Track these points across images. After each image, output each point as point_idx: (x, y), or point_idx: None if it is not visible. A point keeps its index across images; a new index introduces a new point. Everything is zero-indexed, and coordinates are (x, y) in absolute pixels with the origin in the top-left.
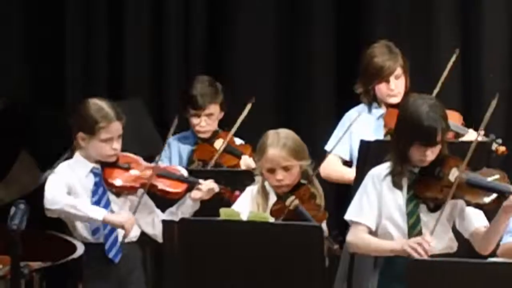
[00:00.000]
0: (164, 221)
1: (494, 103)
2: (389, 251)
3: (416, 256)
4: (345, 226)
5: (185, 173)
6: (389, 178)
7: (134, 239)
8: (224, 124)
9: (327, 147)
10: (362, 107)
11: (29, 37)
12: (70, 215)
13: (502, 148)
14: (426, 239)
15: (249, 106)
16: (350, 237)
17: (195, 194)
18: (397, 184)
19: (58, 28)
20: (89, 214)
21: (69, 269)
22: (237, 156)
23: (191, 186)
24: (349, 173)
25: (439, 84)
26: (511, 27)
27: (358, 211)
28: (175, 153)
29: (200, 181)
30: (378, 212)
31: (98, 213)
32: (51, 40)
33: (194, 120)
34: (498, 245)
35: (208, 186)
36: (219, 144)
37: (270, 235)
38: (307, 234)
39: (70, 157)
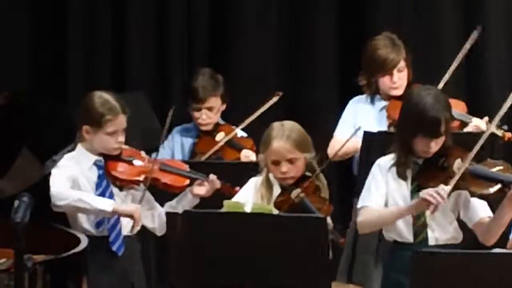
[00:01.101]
0: (167, 213)
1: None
2: (408, 209)
3: (433, 201)
4: (347, 219)
5: (187, 167)
6: (394, 169)
7: (135, 232)
8: (229, 119)
9: (336, 133)
10: (365, 98)
11: (32, 30)
12: (78, 209)
13: (509, 134)
14: (443, 188)
15: (275, 99)
16: (360, 218)
17: (198, 190)
18: (401, 175)
19: (61, 22)
20: (98, 207)
21: (72, 262)
22: (237, 149)
23: (193, 181)
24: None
25: (451, 70)
26: None
27: (367, 196)
28: (177, 145)
29: (202, 177)
30: (386, 198)
31: (107, 205)
32: (54, 33)
33: (196, 113)
34: (502, 236)
35: (210, 182)
36: (220, 137)
37: (274, 227)
38: (311, 226)
39: (73, 149)
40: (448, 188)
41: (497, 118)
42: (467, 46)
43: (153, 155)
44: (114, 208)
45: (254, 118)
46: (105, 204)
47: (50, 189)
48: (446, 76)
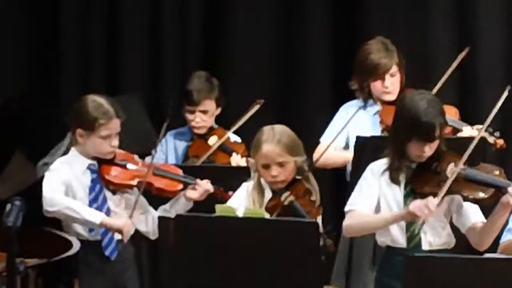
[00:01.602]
0: (160, 217)
1: (504, 96)
2: (393, 218)
3: (421, 215)
4: (340, 222)
5: (180, 172)
6: (387, 174)
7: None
8: (222, 121)
9: (322, 139)
10: (357, 102)
11: (26, 34)
12: (67, 217)
13: (501, 142)
14: (431, 201)
15: (256, 107)
16: (346, 221)
17: (191, 194)
18: (395, 180)
19: (55, 25)
20: (87, 218)
21: (65, 265)
22: (229, 154)
23: (186, 185)
24: (348, 154)
25: (441, 82)
26: (507, 21)
27: (356, 198)
28: (171, 149)
29: (196, 181)
30: (377, 203)
31: (96, 217)
32: (48, 35)
33: (190, 116)
34: (495, 241)
35: (204, 187)
36: (213, 140)
37: (266, 231)
38: (303, 230)
39: (66, 153)
40: (436, 200)
41: (485, 124)
42: (455, 64)
43: (147, 159)
44: (103, 221)
45: (237, 127)
46: (94, 216)
47: (43, 193)
48: (438, 86)
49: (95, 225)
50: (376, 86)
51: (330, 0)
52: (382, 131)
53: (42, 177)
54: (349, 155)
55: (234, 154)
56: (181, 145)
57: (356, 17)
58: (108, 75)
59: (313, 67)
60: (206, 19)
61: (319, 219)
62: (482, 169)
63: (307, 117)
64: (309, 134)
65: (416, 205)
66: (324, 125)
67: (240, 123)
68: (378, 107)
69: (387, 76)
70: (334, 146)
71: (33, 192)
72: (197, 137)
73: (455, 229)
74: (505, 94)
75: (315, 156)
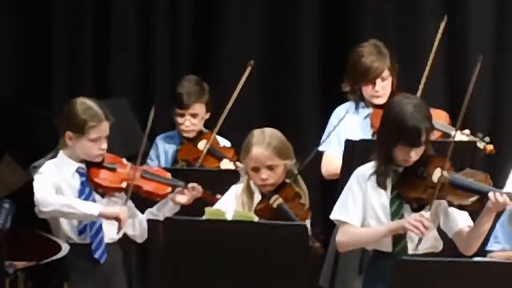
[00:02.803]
0: (149, 220)
1: (478, 66)
2: (385, 233)
3: (416, 232)
4: (331, 225)
5: (169, 175)
6: (373, 178)
7: (116, 239)
8: (212, 124)
9: (322, 148)
10: (349, 105)
11: (17, 37)
12: (64, 214)
13: (490, 147)
14: (425, 216)
15: (248, 70)
16: (339, 237)
17: (179, 198)
18: (381, 184)
19: (46, 28)
20: (84, 211)
21: (54, 268)
22: (218, 159)
23: (174, 188)
24: None
25: (427, 68)
26: (496, 27)
27: (343, 210)
28: (161, 153)
29: (185, 184)
30: (363, 211)
31: (93, 209)
32: (38, 39)
33: (179, 119)
34: (481, 246)
35: (192, 191)
36: (202, 145)
37: (255, 234)
38: (292, 233)
39: (55, 156)
40: (428, 213)
41: (459, 122)
42: (437, 40)
43: (138, 162)
44: (101, 212)
45: (235, 96)
46: (91, 208)
47: (35, 195)
48: (423, 80)
49: (93, 217)
50: (367, 89)
51: (320, 1)
52: (373, 134)
53: (31, 180)
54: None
55: (224, 160)
56: (170, 148)
57: (346, 18)
58: (98, 79)
59: (303, 68)
60: (196, 21)
61: (308, 222)
62: (468, 174)
63: (297, 119)
64: (299, 136)
65: (411, 222)
66: (314, 128)
67: (236, 91)
68: (369, 110)
69: (378, 80)
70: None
71: (23, 195)
72: (186, 141)
73: (443, 233)
74: (478, 65)
75: (324, 168)
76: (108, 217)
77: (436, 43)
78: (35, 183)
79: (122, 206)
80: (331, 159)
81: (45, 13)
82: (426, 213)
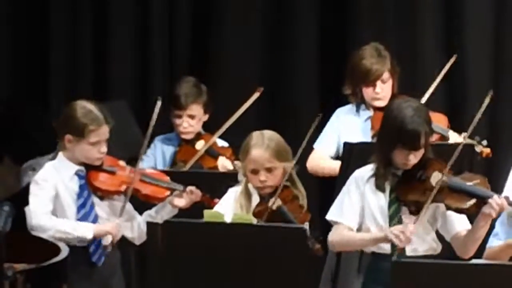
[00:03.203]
0: (148, 223)
1: (486, 101)
2: (372, 241)
3: (398, 243)
4: (330, 227)
5: (168, 179)
6: (372, 180)
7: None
8: (210, 124)
9: (316, 144)
10: (350, 107)
11: (15, 39)
12: (60, 239)
13: (487, 150)
14: (409, 228)
15: (256, 95)
16: (331, 236)
17: (177, 201)
18: (380, 187)
19: (43, 31)
20: (79, 235)
21: (53, 271)
22: (215, 157)
23: (173, 191)
24: (335, 165)
25: (430, 91)
26: (495, 27)
27: (339, 211)
28: (159, 154)
29: (183, 187)
30: (360, 213)
31: (87, 232)
32: (36, 40)
33: (177, 121)
34: (480, 248)
35: (190, 194)
36: (200, 145)
37: (254, 236)
38: (291, 236)
39: (54, 158)
40: (414, 227)
41: (469, 130)
42: (443, 73)
43: (139, 165)
44: (95, 233)
45: (238, 116)
46: (85, 232)
47: (31, 221)
48: (427, 96)
49: (88, 240)
50: (367, 91)
51: (318, 1)
52: (373, 136)
53: (29, 184)
54: (336, 166)
55: (221, 157)
56: (169, 149)
57: (344, 19)
58: (96, 82)
59: (302, 72)
60: (194, 22)
61: (306, 224)
62: (466, 178)
63: (296, 121)
64: (297, 138)
65: (394, 232)
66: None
67: (240, 111)
68: (370, 112)
69: (378, 82)
70: (326, 154)
71: (22, 197)
72: (184, 143)
73: (441, 235)
74: (487, 99)
75: (308, 163)
76: (102, 236)
77: (440, 76)
78: (31, 200)
79: (114, 221)
80: (317, 157)
81: (42, 13)
82: (410, 225)
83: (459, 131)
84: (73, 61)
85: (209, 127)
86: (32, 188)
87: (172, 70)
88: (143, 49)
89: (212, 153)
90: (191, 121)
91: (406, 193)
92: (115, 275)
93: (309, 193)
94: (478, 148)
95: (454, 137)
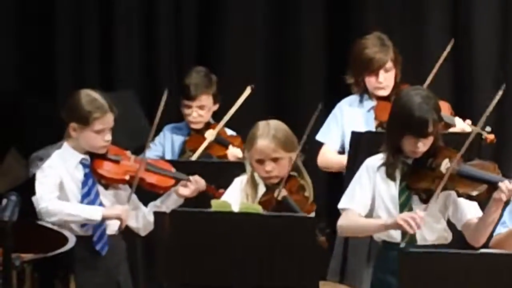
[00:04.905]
0: (155, 213)
1: (499, 94)
2: (381, 226)
3: (408, 229)
4: (336, 219)
5: (173, 168)
6: (383, 169)
7: (122, 229)
8: (217, 114)
9: (319, 137)
10: (354, 98)
11: (20, 27)
12: (68, 221)
13: (491, 137)
14: (418, 214)
15: (247, 93)
16: (341, 221)
17: (182, 190)
18: (390, 175)
19: (50, 21)
20: (87, 217)
21: (60, 261)
22: (225, 146)
23: (178, 181)
24: (340, 158)
25: (432, 75)
26: (501, 16)
27: (350, 199)
28: (168, 143)
29: (189, 177)
30: (371, 202)
31: (96, 214)
32: (42, 30)
33: (187, 111)
34: (491, 236)
35: (195, 184)
36: (209, 134)
37: (262, 226)
38: (300, 226)
39: (59, 147)
40: (424, 213)
41: (481, 122)
42: (442, 58)
43: (146, 153)
44: (103, 215)
45: (230, 115)
46: (94, 214)
47: (38, 206)
48: (427, 82)
49: (97, 221)
50: (370, 81)
51: None
52: (376, 127)
53: (34, 176)
54: (344, 160)
55: (230, 146)
56: (178, 139)
57: (350, 15)
58: (104, 72)
59: (307, 63)
60: (200, 13)
61: (312, 216)
62: (476, 165)
63: (301, 113)
64: (303, 130)
65: (404, 217)
66: (319, 121)
67: (232, 110)
68: (373, 102)
69: (381, 71)
70: (333, 149)
71: (29, 187)
72: (194, 132)
73: (452, 224)
74: (500, 93)
75: (319, 159)
76: (111, 218)
77: (441, 60)
78: (37, 187)
79: (124, 205)
80: (327, 153)
81: (48, 3)
82: (420, 212)
83: (463, 119)
84: (80, 53)
85: (219, 117)
86: (38, 175)
87: (179, 61)
88: (150, 39)
89: (222, 141)
90: (200, 111)
91: (417, 181)
92: (120, 264)
93: (316, 184)
94: (482, 135)
95: (460, 124)
